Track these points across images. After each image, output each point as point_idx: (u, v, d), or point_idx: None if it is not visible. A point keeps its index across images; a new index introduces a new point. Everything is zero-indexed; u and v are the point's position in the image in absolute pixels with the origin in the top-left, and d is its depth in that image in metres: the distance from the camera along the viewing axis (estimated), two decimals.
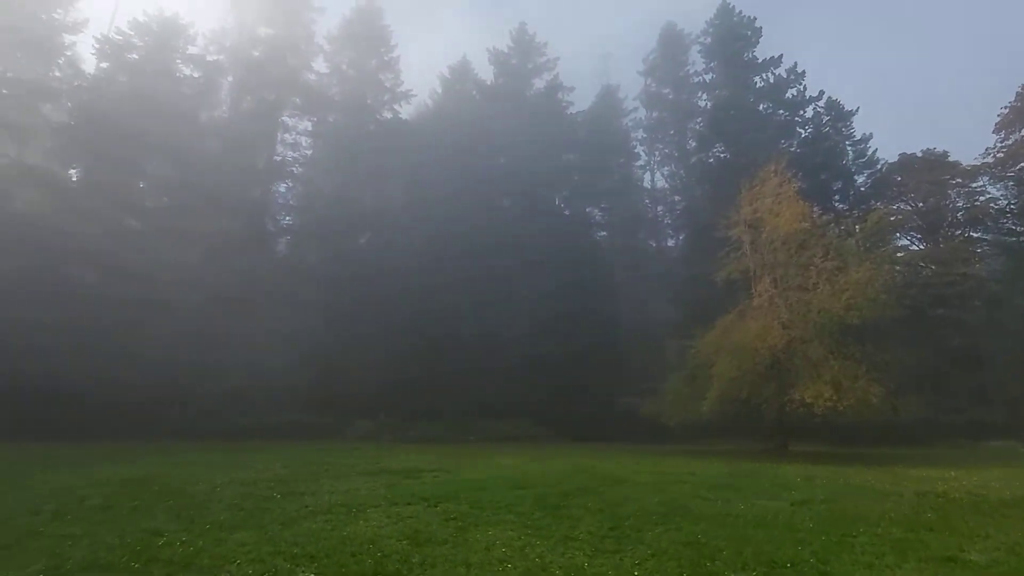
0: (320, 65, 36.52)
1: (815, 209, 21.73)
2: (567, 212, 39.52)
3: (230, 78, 33.67)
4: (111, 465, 12.55)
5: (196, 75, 31.75)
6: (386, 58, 37.66)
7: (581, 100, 43.23)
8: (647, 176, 45.73)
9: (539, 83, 39.83)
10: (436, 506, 8.04)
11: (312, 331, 28.72)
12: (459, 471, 12.40)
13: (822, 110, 34.50)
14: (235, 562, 5.19)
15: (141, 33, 29.75)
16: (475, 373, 28.44)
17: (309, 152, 34.90)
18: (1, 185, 25.29)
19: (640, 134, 45.68)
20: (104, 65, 29.85)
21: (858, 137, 34.32)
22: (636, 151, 44.55)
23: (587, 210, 40.71)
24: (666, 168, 45.66)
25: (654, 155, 45.89)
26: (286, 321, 28.53)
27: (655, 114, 45.71)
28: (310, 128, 35.01)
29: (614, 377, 30.04)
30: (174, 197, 29.08)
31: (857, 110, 34.35)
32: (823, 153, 32.70)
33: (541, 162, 35.94)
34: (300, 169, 33.91)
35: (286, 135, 34.02)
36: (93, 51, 29.59)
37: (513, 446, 21.38)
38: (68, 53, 29.65)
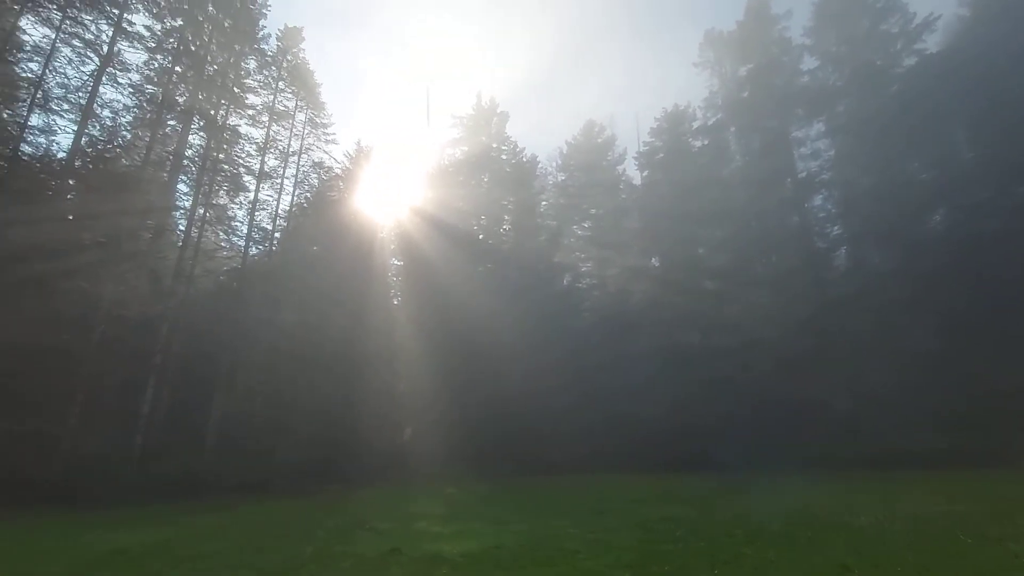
0: (808, 63, 34.14)
1: None
2: None
3: (732, 128, 36.07)
4: (777, 497, 13.86)
5: (706, 142, 35.84)
6: (879, 5, 31.43)
7: None
8: None
9: None
10: None
11: (920, 340, 24.43)
12: None
13: None
14: None
15: (658, 134, 36.69)
16: None
17: (831, 152, 32.11)
18: (620, 285, 35.33)
19: None
20: (645, 173, 38.16)
21: None
22: None
23: None
24: None
25: None
26: (878, 336, 25.60)
27: None
28: (823, 129, 32.47)
29: None
30: (729, 253, 32.42)
31: None
32: None
33: None
34: (829, 175, 31.48)
35: (802, 149, 32.73)
36: (635, 167, 38.65)
37: None
38: (623, 178, 39.82)
